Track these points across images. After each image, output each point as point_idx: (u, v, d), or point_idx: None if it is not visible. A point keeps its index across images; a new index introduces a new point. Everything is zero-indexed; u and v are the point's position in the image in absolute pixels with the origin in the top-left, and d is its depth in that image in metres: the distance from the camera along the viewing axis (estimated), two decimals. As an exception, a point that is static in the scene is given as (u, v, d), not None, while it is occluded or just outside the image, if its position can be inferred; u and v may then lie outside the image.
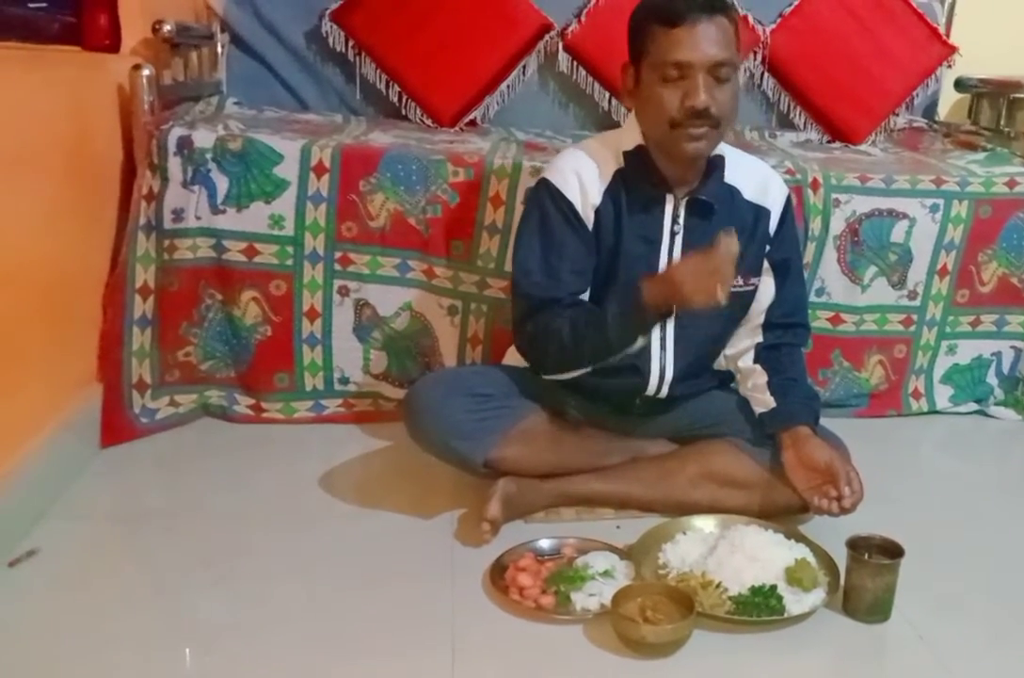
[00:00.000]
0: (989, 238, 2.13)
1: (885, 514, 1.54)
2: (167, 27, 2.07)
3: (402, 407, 1.66)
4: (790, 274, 1.70)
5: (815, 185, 2.04)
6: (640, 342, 1.51)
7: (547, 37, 2.55)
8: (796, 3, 2.64)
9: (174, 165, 1.92)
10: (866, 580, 1.37)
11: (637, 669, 1.27)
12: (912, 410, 2.21)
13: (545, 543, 1.52)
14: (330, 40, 2.52)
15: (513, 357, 1.80)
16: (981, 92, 2.90)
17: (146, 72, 1.93)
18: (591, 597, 1.37)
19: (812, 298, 2.05)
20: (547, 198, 1.59)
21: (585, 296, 1.60)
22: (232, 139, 1.95)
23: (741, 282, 1.64)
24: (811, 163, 2.14)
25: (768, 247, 1.67)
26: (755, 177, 1.66)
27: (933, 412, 2.22)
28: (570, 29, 2.54)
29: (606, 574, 1.41)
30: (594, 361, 1.55)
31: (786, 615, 1.34)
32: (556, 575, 1.41)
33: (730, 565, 1.40)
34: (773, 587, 1.36)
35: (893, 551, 1.38)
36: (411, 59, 2.48)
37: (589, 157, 1.60)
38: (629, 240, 1.58)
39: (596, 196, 1.57)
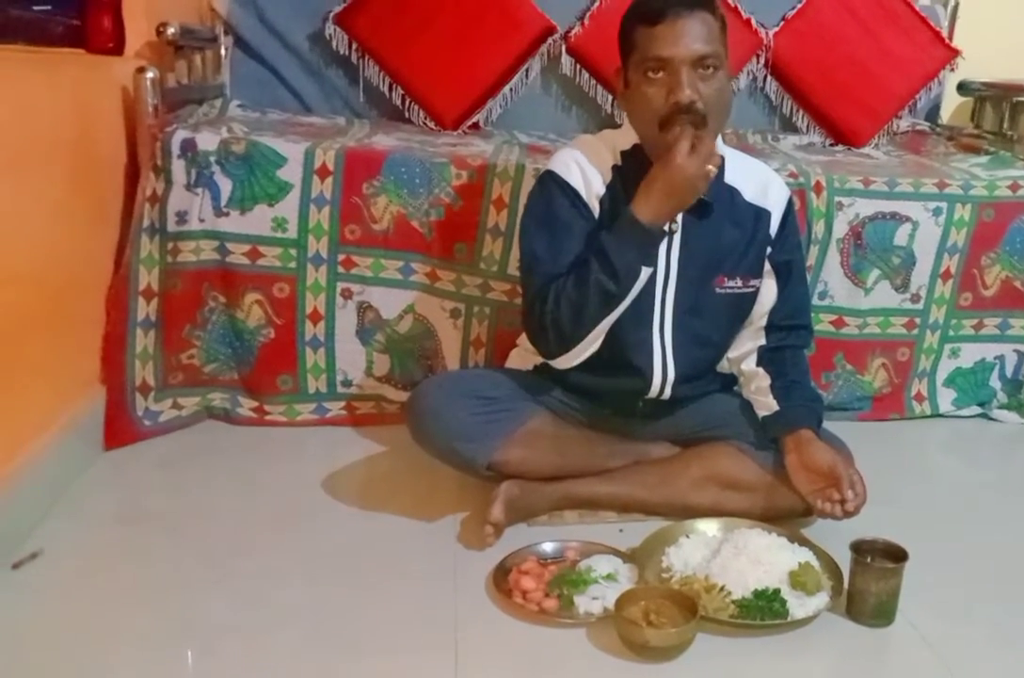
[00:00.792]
0: (992, 241, 2.13)
1: (888, 517, 1.53)
2: (171, 30, 2.08)
3: (405, 409, 1.66)
4: (792, 276, 1.70)
5: (818, 188, 2.04)
6: (647, 269, 1.50)
7: (550, 40, 2.55)
8: (799, 6, 2.64)
9: (178, 168, 1.92)
10: (870, 584, 1.36)
11: (640, 673, 1.26)
12: (915, 413, 2.21)
13: (548, 546, 1.52)
14: (333, 43, 2.52)
15: (517, 360, 1.81)
16: (984, 95, 2.90)
17: (150, 75, 1.93)
18: (594, 600, 1.37)
19: (815, 301, 2.05)
20: (551, 185, 1.59)
21: None
22: (236, 142, 1.95)
23: (740, 284, 1.64)
24: (814, 166, 2.14)
25: (769, 249, 1.67)
26: (755, 178, 1.67)
27: (936, 415, 2.22)
28: (573, 32, 2.55)
29: (609, 577, 1.41)
30: (605, 308, 1.50)
31: (790, 619, 1.34)
32: (559, 578, 1.41)
33: (734, 569, 1.40)
34: (777, 591, 1.36)
35: (897, 555, 1.38)
36: (414, 62, 2.49)
37: (589, 152, 1.61)
38: None
39: (599, 186, 1.58)
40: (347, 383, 2.06)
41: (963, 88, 2.90)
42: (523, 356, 1.79)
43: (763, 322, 1.69)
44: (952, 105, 2.99)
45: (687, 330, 1.64)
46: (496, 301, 2.02)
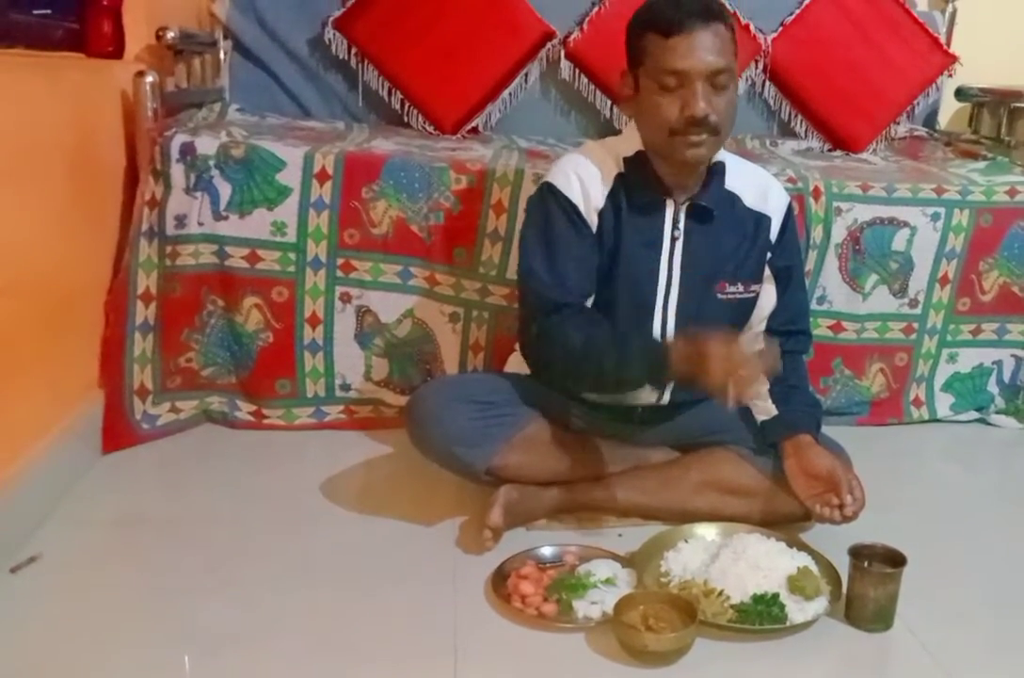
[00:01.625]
0: (990, 247, 2.14)
1: (887, 522, 1.54)
2: (171, 34, 2.08)
3: (404, 414, 1.66)
4: (792, 281, 1.70)
5: (816, 193, 2.05)
6: (645, 390, 1.52)
7: (549, 45, 2.56)
8: (798, 12, 2.65)
9: (177, 171, 1.92)
10: (868, 589, 1.37)
11: (639, 677, 1.26)
12: (913, 418, 2.21)
13: (547, 551, 1.52)
14: (333, 47, 2.53)
15: (515, 364, 1.81)
16: (982, 101, 2.91)
17: (149, 79, 1.94)
18: (593, 605, 1.37)
19: (813, 306, 2.05)
20: (550, 200, 1.58)
21: (590, 301, 1.59)
22: (235, 146, 1.95)
23: (742, 289, 1.64)
24: (812, 171, 2.14)
25: (769, 254, 1.67)
26: (756, 184, 1.67)
27: (934, 420, 2.22)
28: (572, 37, 2.55)
29: (608, 582, 1.41)
30: (595, 384, 1.56)
31: (788, 624, 1.34)
32: (558, 583, 1.41)
33: (732, 573, 1.40)
34: (775, 595, 1.36)
35: (895, 559, 1.38)
36: (413, 66, 2.49)
37: (590, 161, 1.60)
38: (629, 243, 1.58)
39: (599, 199, 1.57)
40: (346, 387, 2.06)
41: (961, 94, 2.90)
42: (523, 361, 1.79)
43: (762, 327, 1.69)
44: (950, 111, 3.00)
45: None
46: (495, 305, 2.02)
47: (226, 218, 1.95)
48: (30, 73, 1.61)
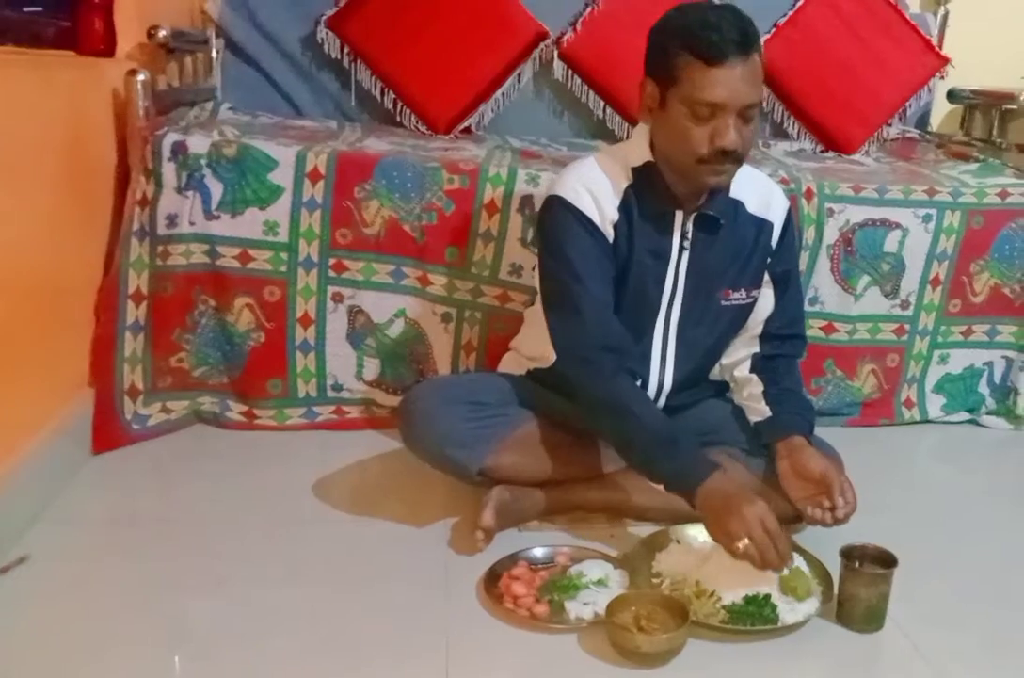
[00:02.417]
0: (981, 248, 2.15)
1: (878, 523, 1.54)
2: (162, 32, 2.07)
3: (397, 414, 1.66)
4: (789, 286, 1.70)
5: (808, 194, 2.05)
6: (655, 486, 1.50)
7: (542, 45, 2.56)
8: (790, 13, 2.66)
9: (168, 170, 1.91)
10: (860, 589, 1.37)
11: (631, 679, 1.26)
12: (904, 419, 2.22)
13: (539, 551, 1.52)
14: (325, 47, 2.52)
15: (510, 364, 1.81)
16: (974, 103, 2.92)
17: (141, 77, 1.93)
18: (585, 606, 1.37)
19: (805, 307, 2.04)
20: (566, 215, 1.54)
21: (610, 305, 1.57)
22: (227, 145, 1.94)
23: (744, 295, 1.65)
24: (805, 172, 2.15)
25: (769, 259, 1.66)
26: (758, 190, 1.66)
27: (925, 421, 2.23)
28: (565, 37, 2.55)
29: (600, 583, 1.41)
30: (613, 443, 1.56)
31: (780, 624, 1.34)
32: (550, 584, 1.41)
33: (724, 574, 1.39)
34: (767, 596, 1.36)
35: (886, 560, 1.39)
36: (406, 66, 2.49)
37: (598, 173, 1.57)
38: (639, 255, 1.57)
39: (612, 211, 1.55)
40: (337, 387, 2.06)
41: (953, 96, 2.91)
42: (517, 360, 1.79)
43: (758, 331, 1.69)
44: (942, 113, 3.01)
45: (688, 341, 1.64)
46: (487, 306, 2.01)
47: (218, 217, 1.94)
48: (21, 71, 1.60)
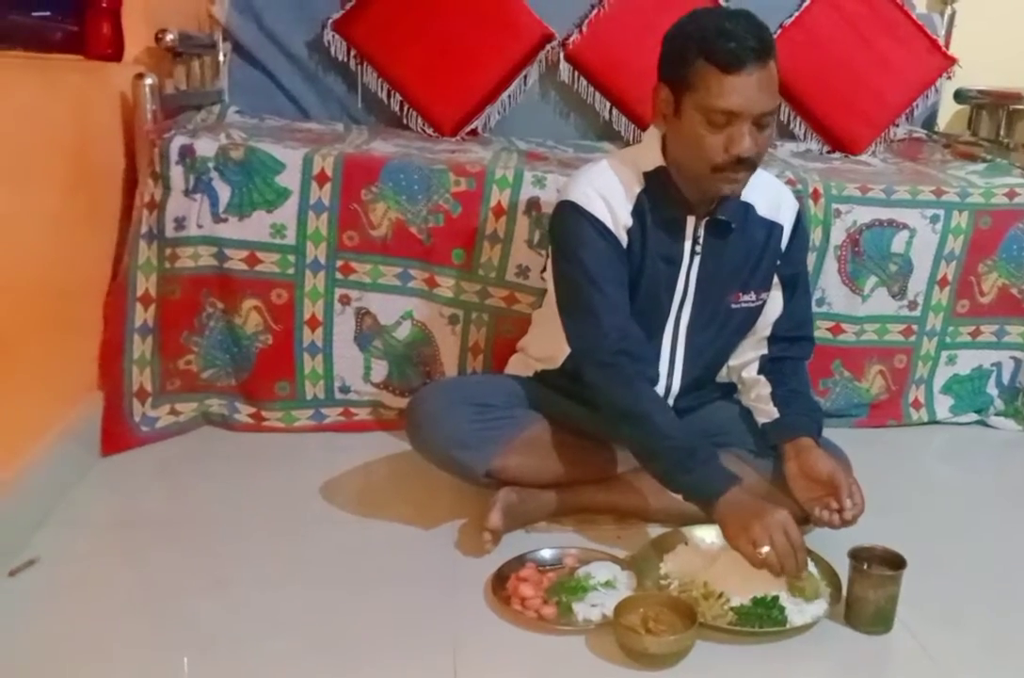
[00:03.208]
0: (989, 249, 2.14)
1: (886, 524, 1.53)
2: (170, 36, 2.08)
3: (404, 416, 1.66)
4: (798, 288, 1.69)
5: (816, 195, 2.05)
6: (673, 494, 1.50)
7: (548, 47, 2.55)
8: (796, 14, 2.65)
9: (176, 174, 1.92)
10: (868, 591, 1.37)
11: (639, 680, 1.26)
12: (912, 420, 2.21)
13: (547, 553, 1.52)
14: (332, 49, 2.53)
15: (517, 366, 1.81)
16: (981, 103, 2.91)
17: (148, 81, 1.94)
18: (593, 608, 1.37)
19: (813, 308, 2.04)
20: (579, 220, 1.54)
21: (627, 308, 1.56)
22: (234, 148, 1.95)
23: (754, 297, 1.65)
24: (811, 173, 2.14)
25: (778, 262, 1.66)
26: (768, 193, 1.65)
27: (933, 422, 2.22)
28: (571, 39, 2.55)
29: (608, 584, 1.41)
30: (631, 449, 1.55)
31: (788, 626, 1.34)
32: (558, 585, 1.41)
33: (732, 576, 1.39)
34: (775, 598, 1.36)
35: (895, 562, 1.38)
36: (412, 68, 2.49)
37: (612, 178, 1.56)
38: (652, 260, 1.57)
39: (625, 217, 1.54)
40: (345, 389, 2.06)
41: (960, 96, 2.91)
42: (524, 362, 1.79)
43: (767, 332, 1.69)
44: (949, 113, 3.00)
45: (697, 345, 1.64)
46: (494, 307, 2.02)
47: (225, 220, 1.95)
48: (29, 75, 1.61)
